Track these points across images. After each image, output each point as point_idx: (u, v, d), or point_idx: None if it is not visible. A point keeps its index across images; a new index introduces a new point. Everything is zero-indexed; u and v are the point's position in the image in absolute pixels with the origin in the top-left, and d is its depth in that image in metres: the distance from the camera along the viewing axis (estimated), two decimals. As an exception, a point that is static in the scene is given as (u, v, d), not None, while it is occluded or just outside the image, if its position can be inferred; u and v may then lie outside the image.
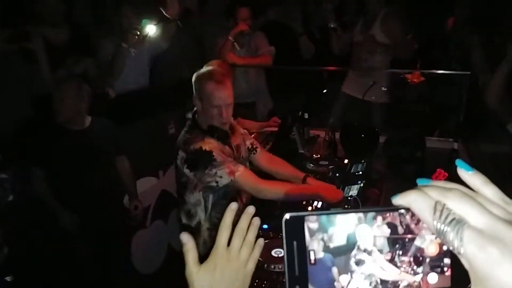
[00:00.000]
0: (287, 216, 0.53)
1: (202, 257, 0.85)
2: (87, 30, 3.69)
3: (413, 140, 2.86)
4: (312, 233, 0.53)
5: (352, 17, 4.34)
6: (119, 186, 3.00)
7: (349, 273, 0.51)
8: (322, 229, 0.53)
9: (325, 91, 3.94)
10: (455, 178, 1.71)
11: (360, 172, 2.56)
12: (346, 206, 2.16)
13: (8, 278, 2.17)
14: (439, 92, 3.77)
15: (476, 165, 0.49)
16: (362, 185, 2.36)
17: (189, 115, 2.32)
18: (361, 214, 0.52)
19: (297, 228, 0.57)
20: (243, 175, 2.08)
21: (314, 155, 2.93)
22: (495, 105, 2.68)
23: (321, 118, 3.70)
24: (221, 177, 2.07)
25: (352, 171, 2.61)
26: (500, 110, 2.68)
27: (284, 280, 0.60)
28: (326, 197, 2.12)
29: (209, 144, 2.12)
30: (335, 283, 0.51)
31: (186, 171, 2.13)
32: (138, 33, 3.20)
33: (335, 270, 0.51)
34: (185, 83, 3.71)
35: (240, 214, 0.83)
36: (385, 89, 4.22)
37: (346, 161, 2.76)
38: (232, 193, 2.25)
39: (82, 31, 3.59)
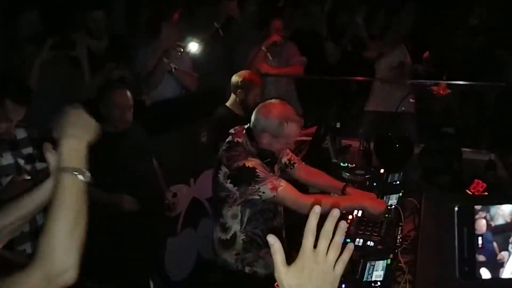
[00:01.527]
0: (457, 206, 0.60)
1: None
2: (124, 40, 3.79)
3: (449, 151, 2.86)
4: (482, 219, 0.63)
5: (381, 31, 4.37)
6: (157, 190, 3.04)
7: (508, 250, 0.58)
8: (487, 210, 0.60)
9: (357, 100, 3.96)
10: (492, 188, 1.72)
11: (398, 182, 2.56)
12: (387, 215, 2.16)
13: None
14: (473, 104, 3.77)
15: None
16: (401, 194, 2.36)
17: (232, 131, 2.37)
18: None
19: (467, 216, 0.67)
20: (285, 190, 2.12)
21: (349, 165, 2.94)
22: None
23: (353, 128, 3.72)
24: (263, 192, 2.11)
25: (389, 180, 2.61)
26: None
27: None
28: (370, 208, 2.12)
29: (252, 162, 2.16)
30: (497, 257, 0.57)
31: (229, 185, 2.17)
32: (182, 50, 3.29)
33: (495, 245, 0.58)
34: (217, 92, 3.82)
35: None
36: (413, 100, 4.23)
37: (382, 170, 2.76)
38: (270, 209, 2.29)
39: (120, 41, 3.69)
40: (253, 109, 3.52)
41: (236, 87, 3.39)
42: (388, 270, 1.66)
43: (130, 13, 4.17)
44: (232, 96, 3.44)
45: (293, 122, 2.25)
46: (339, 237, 0.88)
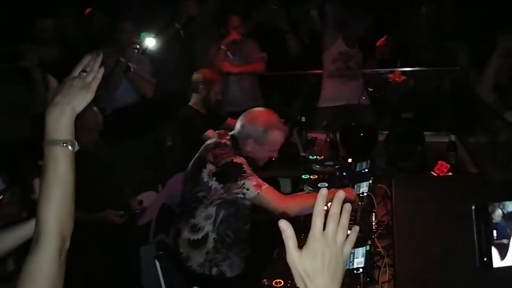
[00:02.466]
0: (473, 205, 0.72)
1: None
2: (78, 46, 3.68)
3: (411, 136, 2.94)
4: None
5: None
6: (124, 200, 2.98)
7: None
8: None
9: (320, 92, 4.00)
10: (455, 168, 1.81)
11: (366, 170, 2.61)
12: (360, 203, 2.20)
13: None
14: (429, 89, 3.89)
15: (474, 154, 0.58)
16: (371, 181, 2.41)
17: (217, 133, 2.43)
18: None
19: (483, 213, 0.79)
20: (269, 190, 2.15)
21: (318, 157, 2.98)
22: (487, 97, 2.79)
23: (317, 120, 3.76)
24: (248, 189, 2.12)
25: (358, 169, 2.66)
26: (493, 100, 2.78)
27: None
28: (349, 197, 2.16)
29: (240, 159, 2.21)
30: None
31: (214, 183, 2.17)
32: (138, 47, 3.22)
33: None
34: (178, 94, 3.76)
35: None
36: (371, 89, 4.33)
37: (350, 160, 2.81)
38: (245, 212, 2.29)
39: (73, 47, 3.58)
40: (215, 107, 3.55)
41: (197, 84, 3.41)
42: (368, 256, 1.69)
43: (82, 18, 4.06)
44: (194, 95, 3.44)
45: (278, 129, 2.30)
46: (346, 219, 0.89)
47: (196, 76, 3.45)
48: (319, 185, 2.47)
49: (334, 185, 2.46)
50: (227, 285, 2.28)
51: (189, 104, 3.47)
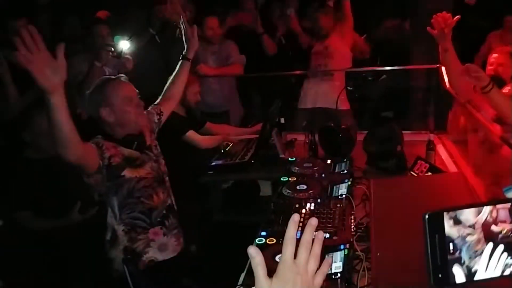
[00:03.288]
0: (427, 214, 0.67)
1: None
2: (50, 49, 3.59)
3: (390, 135, 2.93)
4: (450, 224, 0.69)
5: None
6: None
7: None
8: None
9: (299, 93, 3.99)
10: (435, 167, 1.78)
11: (345, 171, 2.60)
12: (339, 206, 2.19)
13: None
14: (408, 87, 3.91)
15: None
16: (349, 183, 2.40)
17: None
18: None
19: (437, 223, 0.72)
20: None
21: (297, 159, 2.96)
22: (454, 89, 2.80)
23: (296, 121, 3.75)
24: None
25: (337, 170, 2.65)
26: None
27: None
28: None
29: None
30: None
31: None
32: (112, 49, 3.16)
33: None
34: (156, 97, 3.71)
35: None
36: (351, 88, 4.33)
37: (329, 161, 2.79)
38: (145, 186, 2.21)
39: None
40: (195, 108, 3.51)
41: None
42: (346, 260, 1.67)
43: (55, 21, 3.99)
44: None
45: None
46: (318, 248, 0.86)
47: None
48: (298, 187, 2.44)
49: (312, 187, 2.43)
50: (163, 268, 2.21)
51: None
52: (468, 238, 0.94)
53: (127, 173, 2.15)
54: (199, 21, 3.91)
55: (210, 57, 4.06)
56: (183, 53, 2.58)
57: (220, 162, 3.20)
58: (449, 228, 0.91)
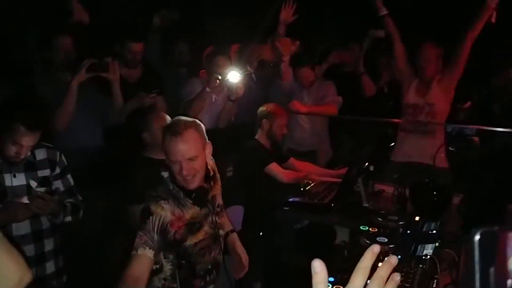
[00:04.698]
0: (479, 233, 0.44)
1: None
2: (158, 69, 3.82)
3: (490, 201, 2.63)
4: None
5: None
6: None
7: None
8: None
9: (392, 144, 3.75)
10: None
11: (434, 231, 2.34)
12: (421, 266, 1.95)
13: None
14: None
15: None
16: (437, 244, 2.15)
17: None
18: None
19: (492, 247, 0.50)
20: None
21: (381, 210, 2.75)
22: None
23: (387, 172, 3.52)
24: None
25: (424, 229, 2.40)
26: None
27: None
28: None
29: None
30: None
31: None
32: (220, 78, 3.28)
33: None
34: (248, 127, 3.75)
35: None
36: (452, 149, 4.00)
37: (417, 218, 2.55)
38: (196, 252, 2.10)
39: (153, 71, 3.71)
40: (280, 141, 3.46)
41: (261, 117, 3.38)
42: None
43: (165, 45, 4.24)
44: (260, 129, 3.41)
45: (169, 134, 1.99)
46: None
47: (261, 109, 3.45)
48: (377, 239, 2.24)
49: (394, 242, 2.22)
50: None
51: (255, 137, 3.42)
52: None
53: (188, 241, 2.07)
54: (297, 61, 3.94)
55: (306, 95, 4.02)
56: None
57: (297, 199, 3.07)
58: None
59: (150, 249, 1.92)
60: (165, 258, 2.08)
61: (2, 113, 2.20)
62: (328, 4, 4.74)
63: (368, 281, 0.73)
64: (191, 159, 1.96)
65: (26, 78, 3.32)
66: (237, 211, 3.18)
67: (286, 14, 3.92)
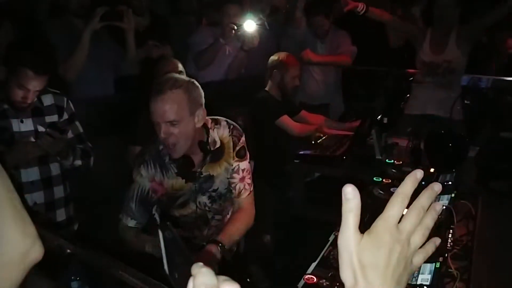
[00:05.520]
0: None
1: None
2: (166, 19, 3.71)
3: (509, 155, 2.55)
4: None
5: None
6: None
7: None
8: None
9: (408, 96, 3.64)
10: None
11: (450, 182, 2.28)
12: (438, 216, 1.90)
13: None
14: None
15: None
16: (453, 195, 2.09)
17: None
18: None
19: None
20: None
21: (395, 161, 2.68)
22: None
23: (401, 124, 3.42)
24: None
25: (440, 180, 2.33)
26: None
27: None
28: None
29: None
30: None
31: None
32: (236, 28, 3.16)
33: None
34: (260, 79, 3.65)
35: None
36: (468, 102, 3.87)
37: (432, 170, 2.48)
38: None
39: (162, 20, 3.61)
40: (291, 93, 3.36)
41: (272, 67, 3.26)
42: (436, 274, 1.41)
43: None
44: (270, 80, 3.30)
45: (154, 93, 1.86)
46: (431, 221, 0.66)
47: (272, 58, 3.30)
48: (391, 189, 2.19)
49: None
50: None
51: (265, 89, 3.32)
52: None
53: (171, 211, 2.01)
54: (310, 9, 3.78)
55: (320, 44, 3.88)
56: None
57: (308, 152, 3.01)
58: None
59: (131, 219, 1.94)
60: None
61: (9, 56, 2.13)
62: None
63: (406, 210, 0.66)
64: (171, 123, 1.78)
65: (36, 23, 3.24)
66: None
67: None
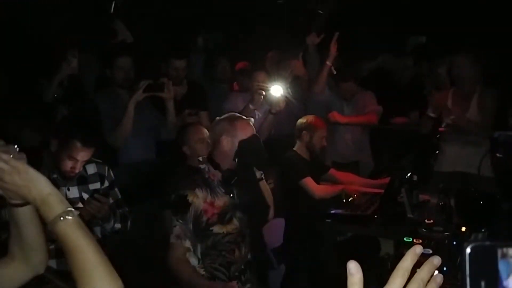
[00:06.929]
0: (469, 246, 0.46)
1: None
2: (202, 86, 3.95)
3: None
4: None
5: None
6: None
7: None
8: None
9: (437, 152, 3.66)
10: None
11: (482, 242, 2.27)
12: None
13: None
14: None
15: None
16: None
17: None
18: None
19: (485, 262, 0.50)
20: None
21: (426, 220, 2.69)
22: None
23: (432, 182, 3.43)
24: None
25: (471, 239, 2.33)
26: None
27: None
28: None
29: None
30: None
31: None
32: (264, 94, 3.34)
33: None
34: (286, 140, 3.77)
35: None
36: (500, 155, 3.83)
37: (463, 229, 2.48)
38: (230, 241, 2.22)
39: (198, 87, 3.84)
40: (319, 153, 3.45)
41: (300, 129, 3.39)
42: None
43: (207, 63, 4.39)
44: (298, 141, 3.42)
45: None
46: None
47: (300, 121, 3.46)
48: (423, 251, 2.19)
49: (440, 253, 2.16)
50: None
51: (293, 149, 3.43)
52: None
53: (216, 228, 2.21)
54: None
55: (345, 106, 4.01)
56: None
57: (339, 211, 3.06)
58: (505, 273, 0.57)
59: (187, 240, 2.14)
60: (198, 267, 2.20)
61: (60, 130, 2.38)
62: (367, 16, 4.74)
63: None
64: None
65: (85, 95, 3.55)
66: (279, 224, 3.18)
67: (312, 37, 3.97)
